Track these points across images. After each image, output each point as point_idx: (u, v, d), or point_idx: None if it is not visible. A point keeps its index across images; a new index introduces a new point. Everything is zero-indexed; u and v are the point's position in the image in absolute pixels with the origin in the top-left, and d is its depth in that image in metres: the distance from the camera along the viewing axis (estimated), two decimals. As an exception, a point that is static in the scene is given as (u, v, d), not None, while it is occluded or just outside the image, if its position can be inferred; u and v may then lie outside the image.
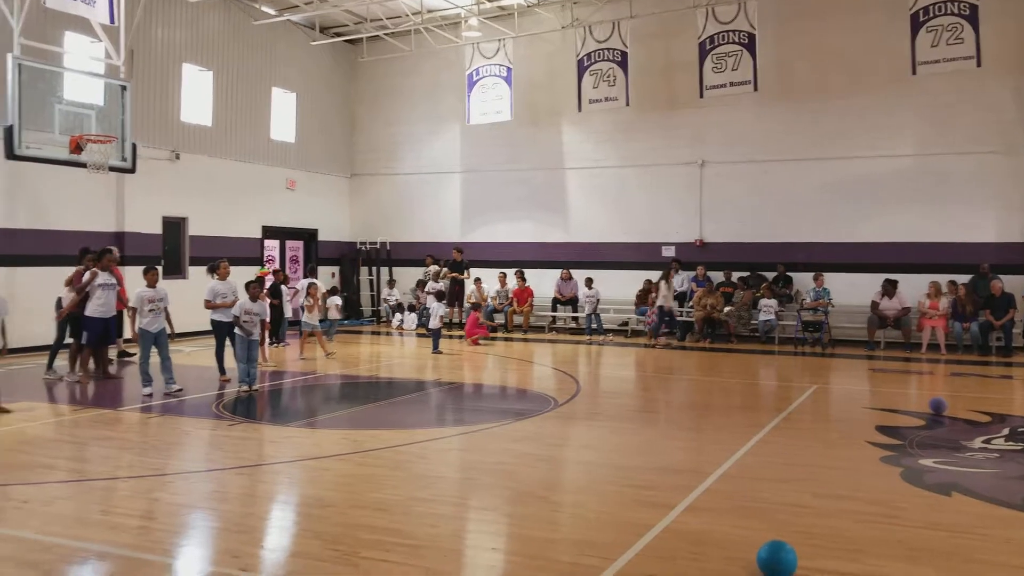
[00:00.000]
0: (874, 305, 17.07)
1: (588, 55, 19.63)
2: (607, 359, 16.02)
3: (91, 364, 12.25)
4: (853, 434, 8.83)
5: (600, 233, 20.78)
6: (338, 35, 22.60)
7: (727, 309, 18.16)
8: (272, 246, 22.28)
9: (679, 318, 18.61)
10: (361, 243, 23.90)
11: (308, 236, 23.14)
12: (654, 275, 19.33)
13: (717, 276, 19.04)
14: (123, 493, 6.60)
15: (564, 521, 5.98)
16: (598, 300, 19.38)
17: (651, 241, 20.13)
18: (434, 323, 16.44)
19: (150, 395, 10.83)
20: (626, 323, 19.76)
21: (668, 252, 19.84)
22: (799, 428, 9.34)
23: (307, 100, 22.59)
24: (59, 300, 12.76)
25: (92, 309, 11.86)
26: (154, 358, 11.13)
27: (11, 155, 12.32)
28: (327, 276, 22.90)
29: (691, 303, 18.65)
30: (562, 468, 7.81)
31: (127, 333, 12.68)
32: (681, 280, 19.36)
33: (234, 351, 11.51)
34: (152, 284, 11.17)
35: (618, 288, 19.75)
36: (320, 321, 17.59)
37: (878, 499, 6.38)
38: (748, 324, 18.22)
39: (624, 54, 19.28)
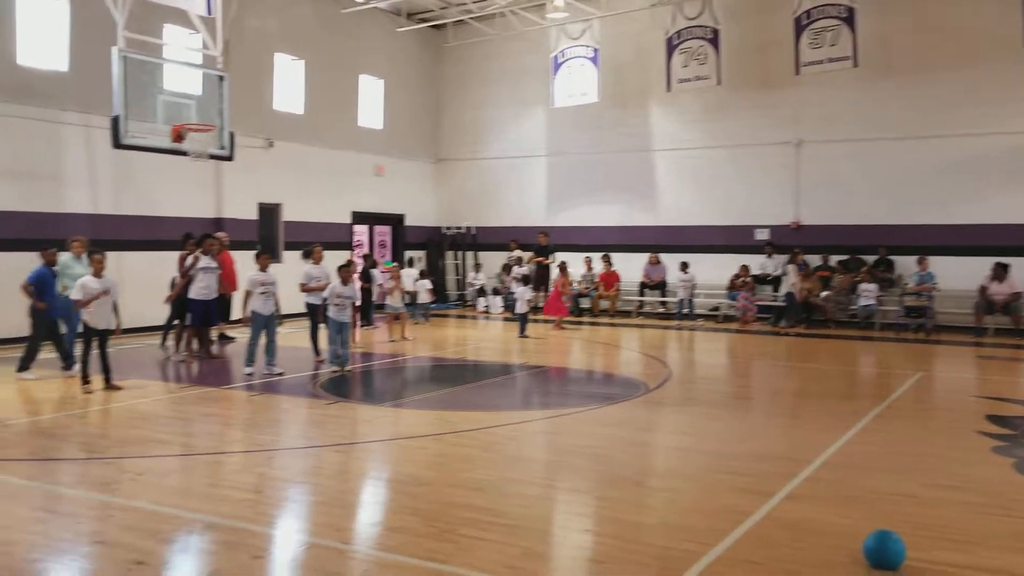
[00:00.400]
0: (982, 290, 16.31)
1: (678, 33, 19.26)
2: (698, 344, 15.78)
3: (195, 344, 12.73)
4: (961, 423, 8.47)
5: (689, 216, 20.44)
6: (424, 20, 22.76)
7: (824, 294, 17.66)
8: (361, 231, 22.68)
9: (775, 303, 18.22)
10: (447, 228, 24.10)
11: (395, 221, 23.46)
12: (747, 259, 18.97)
13: (814, 260, 18.49)
14: (230, 467, 6.83)
15: (658, 506, 5.92)
16: (693, 285, 19.05)
17: (743, 224, 19.69)
18: (521, 307, 16.46)
19: (251, 375, 11.15)
20: (717, 308, 19.41)
21: (761, 235, 19.40)
22: (904, 416, 9.00)
23: (394, 86, 22.84)
24: (173, 280, 13.27)
25: (195, 291, 12.32)
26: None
27: (117, 144, 12.76)
28: (416, 260, 23.21)
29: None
30: (655, 453, 7.73)
31: (235, 315, 13.08)
32: (775, 264, 18.92)
33: (328, 333, 11.77)
34: (264, 268, 11.47)
35: (708, 272, 19.37)
36: (410, 304, 17.85)
37: (990, 490, 6.11)
38: (847, 309, 17.68)
39: (715, 31, 18.84)
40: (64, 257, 11.59)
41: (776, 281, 18.91)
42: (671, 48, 19.36)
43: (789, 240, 18.88)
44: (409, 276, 18.49)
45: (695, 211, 20.36)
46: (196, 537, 5.16)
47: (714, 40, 18.86)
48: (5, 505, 5.87)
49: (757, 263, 19.13)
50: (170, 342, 13.32)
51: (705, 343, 15.90)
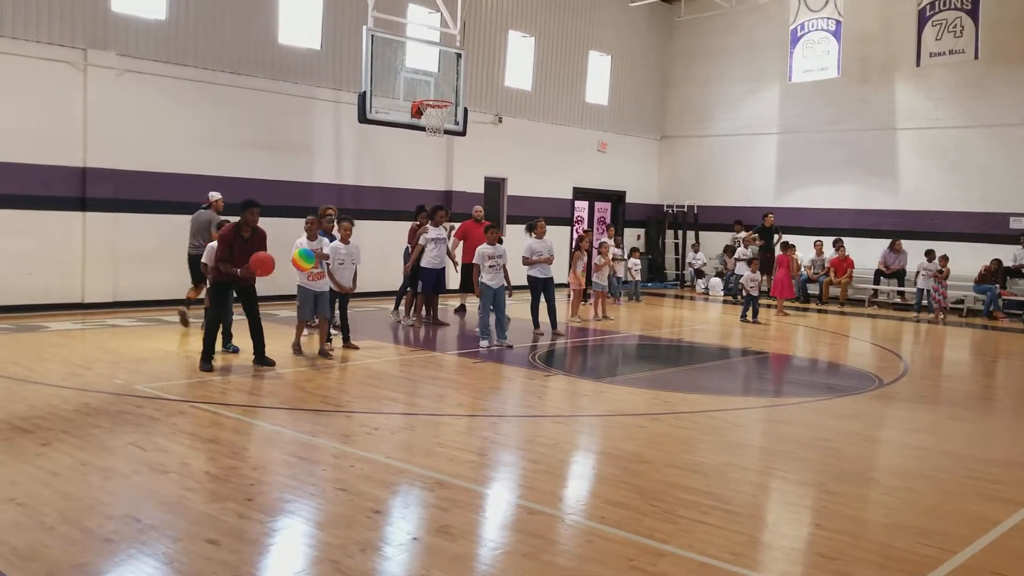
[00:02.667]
0: None
1: (931, 3, 17.75)
2: (938, 339, 14.59)
3: (424, 311, 13.38)
4: None
5: (934, 201, 18.90)
6: (657, -5, 22.42)
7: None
8: (581, 207, 22.84)
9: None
10: (668, 206, 23.74)
11: (616, 198, 23.41)
12: (999, 250, 17.26)
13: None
14: (455, 429, 7.12)
15: (894, 505, 5.54)
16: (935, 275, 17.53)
17: (997, 211, 17.94)
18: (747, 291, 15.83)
19: (486, 347, 11.31)
20: (961, 301, 17.82)
21: (1017, 224, 17.60)
22: None
23: (621, 62, 22.70)
24: (406, 250, 13.96)
25: (426, 261, 12.91)
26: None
27: (363, 119, 13.62)
28: (633, 238, 23.12)
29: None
30: (889, 450, 7.24)
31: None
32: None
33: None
34: (493, 242, 11.74)
35: (953, 263, 17.81)
36: (625, 282, 17.74)
37: None
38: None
39: (975, 1, 17.16)
40: None
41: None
42: (923, 20, 17.88)
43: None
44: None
45: (941, 195, 18.80)
46: (426, 492, 5.43)
47: (973, 11, 17.21)
48: (261, 448, 6.48)
49: (1010, 254, 17.39)
50: (401, 307, 14.07)
51: (947, 338, 14.67)
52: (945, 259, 16.92)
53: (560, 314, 13.41)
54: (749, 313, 15.54)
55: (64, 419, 6.85)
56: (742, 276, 16.53)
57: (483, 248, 11.67)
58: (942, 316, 16.68)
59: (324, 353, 10.09)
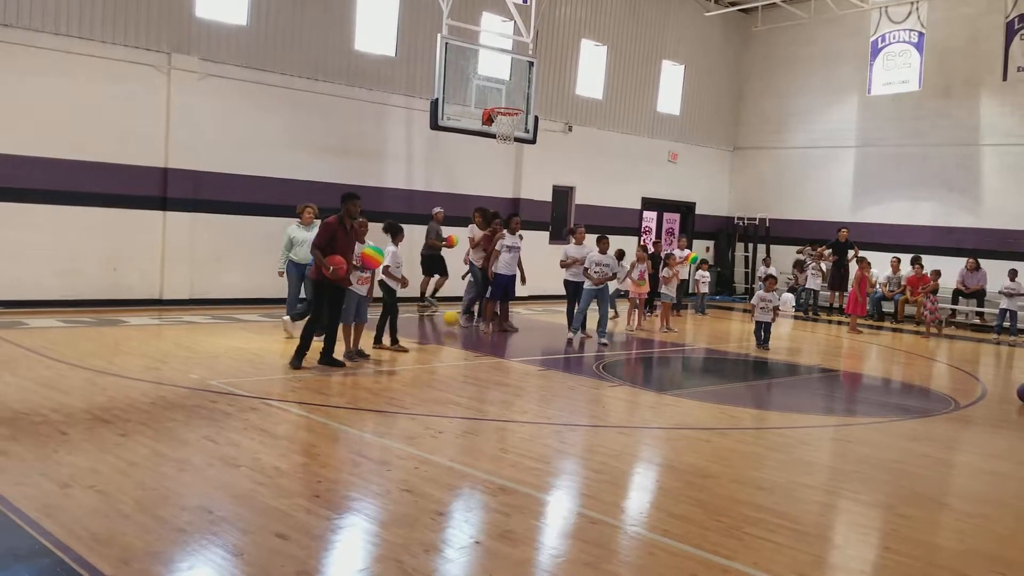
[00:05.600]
0: None
1: (1020, 16, 17.17)
2: (1020, 362, 14.07)
3: (494, 317, 13.41)
4: None
5: (1017, 220, 18.25)
6: (733, 4, 22.15)
7: None
8: (650, 217, 22.67)
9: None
10: (739, 218, 23.42)
11: (685, 209, 23.19)
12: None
13: None
14: (519, 435, 7.12)
15: (968, 531, 5.37)
16: (1021, 296, 16.88)
17: (1086, 232, 17.24)
18: (763, 315, 13.36)
19: (570, 337, 12.66)
20: (1041, 324, 17.16)
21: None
22: None
23: (695, 72, 22.48)
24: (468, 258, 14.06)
25: (499, 266, 13.00)
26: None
27: (435, 126, 13.78)
28: (702, 250, 22.86)
29: None
30: (964, 475, 7.01)
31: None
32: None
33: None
34: (603, 251, 12.59)
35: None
36: (690, 294, 17.51)
37: None
38: None
39: (1068, 13, 16.58)
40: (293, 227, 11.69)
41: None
42: (1011, 33, 17.30)
43: None
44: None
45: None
46: (489, 497, 5.45)
47: (1065, 22, 16.60)
48: (329, 446, 6.60)
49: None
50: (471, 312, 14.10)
51: (1028, 362, 14.16)
52: (937, 273, 17.25)
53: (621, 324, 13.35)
54: (765, 336, 13.38)
55: (141, 411, 7.07)
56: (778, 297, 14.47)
57: (593, 255, 12.54)
58: (934, 331, 16.66)
59: (361, 354, 10.16)
